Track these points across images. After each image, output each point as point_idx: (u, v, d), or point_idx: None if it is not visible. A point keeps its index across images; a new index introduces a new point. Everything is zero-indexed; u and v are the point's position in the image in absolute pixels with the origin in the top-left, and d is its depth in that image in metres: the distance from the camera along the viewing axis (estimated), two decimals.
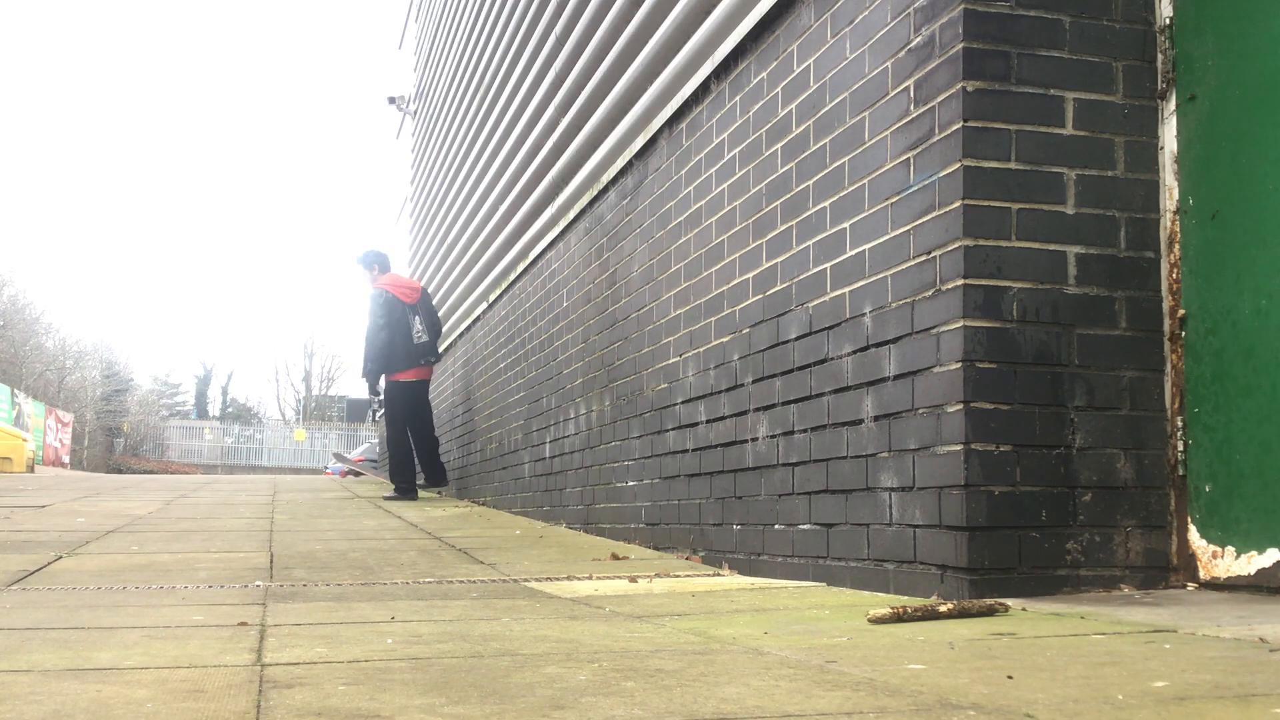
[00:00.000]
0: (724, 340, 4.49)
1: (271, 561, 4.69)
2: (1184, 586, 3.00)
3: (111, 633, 2.69)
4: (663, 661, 2.16)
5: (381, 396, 9.78)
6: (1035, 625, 2.52)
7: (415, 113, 17.37)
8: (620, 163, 5.91)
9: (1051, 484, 2.98)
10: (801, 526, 3.79)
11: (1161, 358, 3.11)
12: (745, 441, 4.25)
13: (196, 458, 47.34)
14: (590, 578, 4.09)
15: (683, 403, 4.90)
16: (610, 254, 6.05)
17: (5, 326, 36.51)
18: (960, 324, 2.97)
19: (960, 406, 2.95)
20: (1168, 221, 3.12)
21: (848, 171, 3.57)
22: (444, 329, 12.48)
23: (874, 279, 3.39)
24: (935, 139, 3.12)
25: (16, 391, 29.72)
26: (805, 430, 3.79)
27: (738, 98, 4.47)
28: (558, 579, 4.05)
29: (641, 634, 2.60)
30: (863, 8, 3.53)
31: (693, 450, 4.77)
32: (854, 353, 3.48)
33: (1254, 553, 2.82)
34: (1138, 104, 3.16)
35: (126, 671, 2.10)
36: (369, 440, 31.42)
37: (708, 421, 4.62)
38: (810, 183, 3.81)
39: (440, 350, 10.16)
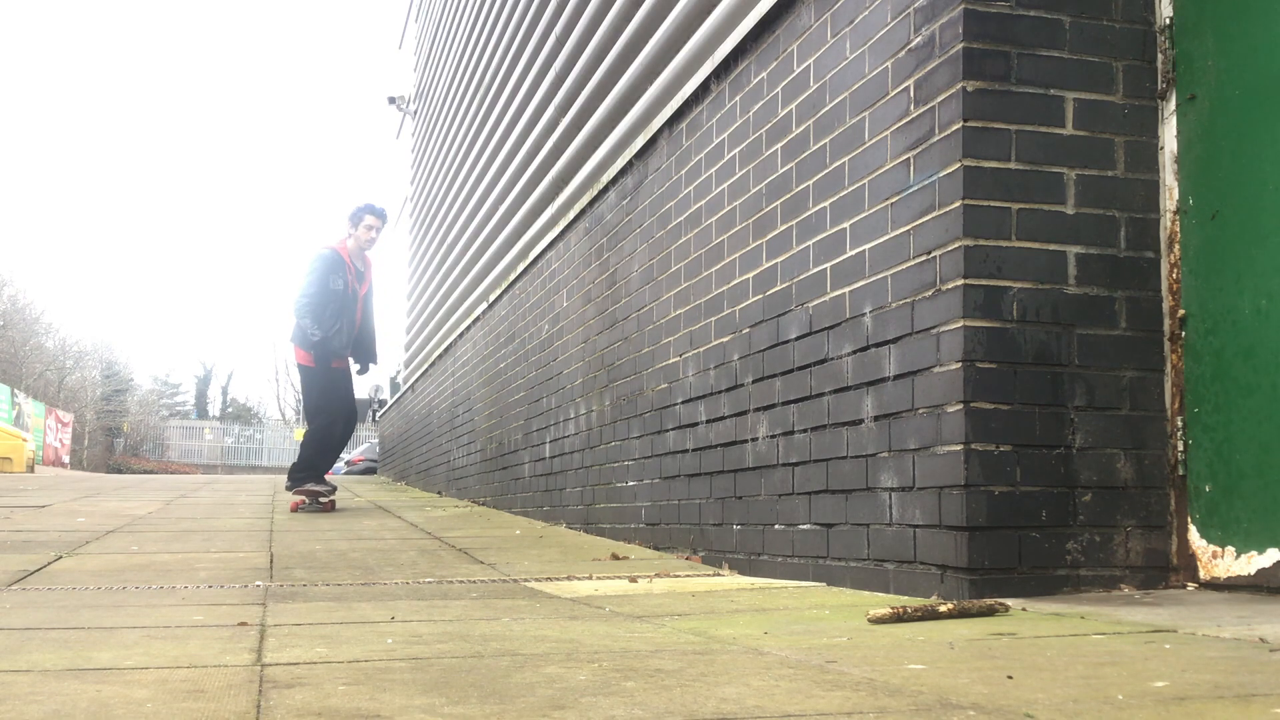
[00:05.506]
0: (724, 340, 4.49)
1: (271, 561, 4.69)
2: (1184, 586, 3.00)
3: (111, 633, 2.69)
4: (663, 661, 2.16)
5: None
6: (1035, 625, 2.52)
7: (415, 113, 17.38)
8: (620, 163, 5.91)
9: (1051, 484, 2.98)
10: (801, 526, 3.79)
11: (1161, 358, 3.11)
12: (745, 441, 4.25)
13: (196, 458, 47.30)
14: (590, 578, 4.09)
15: (683, 403, 4.90)
16: (610, 254, 6.05)
17: (5, 326, 36.50)
18: (960, 324, 2.97)
19: (960, 406, 2.95)
20: (1168, 221, 3.12)
21: (848, 171, 3.57)
22: (444, 329, 12.48)
23: (874, 279, 3.39)
24: (935, 139, 3.12)
25: (16, 391, 29.72)
26: (805, 430, 3.79)
27: (738, 98, 4.47)
28: (558, 579, 4.05)
29: (641, 634, 2.60)
30: (863, 8, 3.53)
31: (693, 450, 4.77)
32: (854, 353, 3.48)
33: (1254, 553, 2.81)
34: (1138, 104, 3.16)
35: (126, 671, 2.10)
36: (369, 440, 31.41)
37: (708, 421, 4.62)
38: (810, 183, 3.81)
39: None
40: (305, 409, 8.39)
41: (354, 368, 8.36)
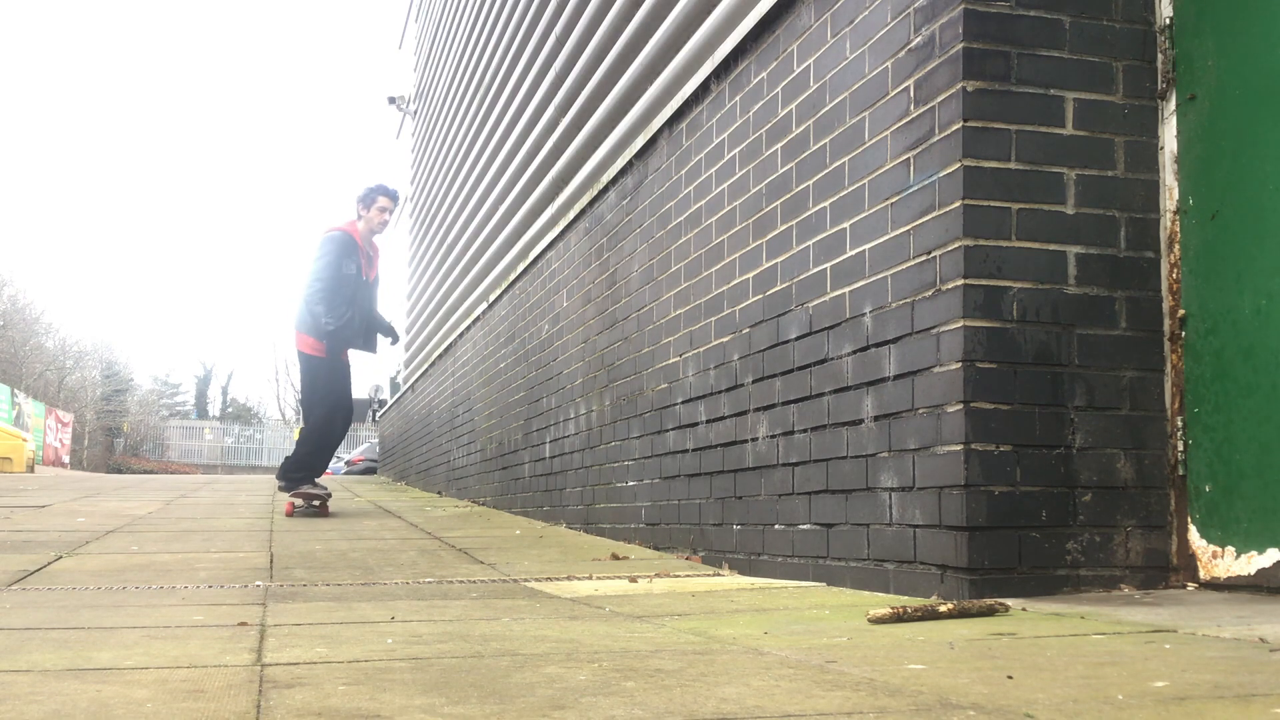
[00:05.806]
0: (724, 340, 4.49)
1: (271, 561, 4.69)
2: (1184, 586, 3.00)
3: (111, 633, 2.69)
4: (663, 661, 2.16)
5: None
6: (1035, 625, 2.52)
7: (415, 113, 17.38)
8: (620, 163, 5.91)
9: (1051, 484, 2.98)
10: (801, 526, 3.79)
11: (1161, 358, 3.11)
12: (745, 441, 4.25)
13: (196, 458, 47.28)
14: (590, 578, 4.09)
15: (683, 403, 4.90)
16: (610, 254, 6.05)
17: (5, 326, 36.50)
18: (960, 324, 2.97)
19: (960, 406, 2.95)
20: (1168, 221, 3.12)
21: (848, 171, 3.57)
22: (444, 329, 12.48)
23: (874, 279, 3.39)
24: (935, 139, 3.12)
25: (16, 391, 29.71)
26: (805, 430, 3.79)
27: (738, 98, 4.47)
28: (558, 579, 4.05)
29: (641, 634, 2.60)
30: (863, 8, 3.53)
31: (693, 450, 4.77)
32: (854, 353, 3.48)
33: (1254, 553, 2.82)
34: (1138, 104, 3.16)
35: (126, 671, 2.10)
36: (369, 440, 31.41)
37: (708, 421, 4.62)
38: (810, 183, 3.81)
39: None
40: (305, 401, 7.88)
41: (385, 341, 7.96)
